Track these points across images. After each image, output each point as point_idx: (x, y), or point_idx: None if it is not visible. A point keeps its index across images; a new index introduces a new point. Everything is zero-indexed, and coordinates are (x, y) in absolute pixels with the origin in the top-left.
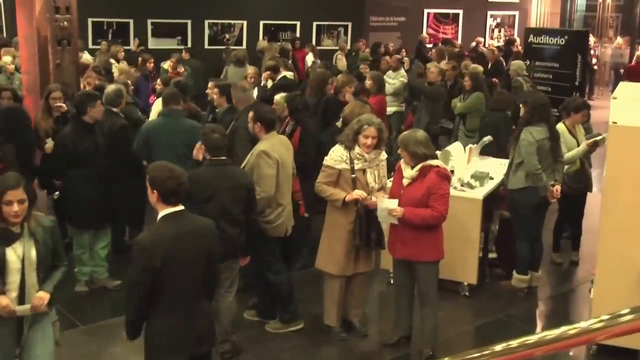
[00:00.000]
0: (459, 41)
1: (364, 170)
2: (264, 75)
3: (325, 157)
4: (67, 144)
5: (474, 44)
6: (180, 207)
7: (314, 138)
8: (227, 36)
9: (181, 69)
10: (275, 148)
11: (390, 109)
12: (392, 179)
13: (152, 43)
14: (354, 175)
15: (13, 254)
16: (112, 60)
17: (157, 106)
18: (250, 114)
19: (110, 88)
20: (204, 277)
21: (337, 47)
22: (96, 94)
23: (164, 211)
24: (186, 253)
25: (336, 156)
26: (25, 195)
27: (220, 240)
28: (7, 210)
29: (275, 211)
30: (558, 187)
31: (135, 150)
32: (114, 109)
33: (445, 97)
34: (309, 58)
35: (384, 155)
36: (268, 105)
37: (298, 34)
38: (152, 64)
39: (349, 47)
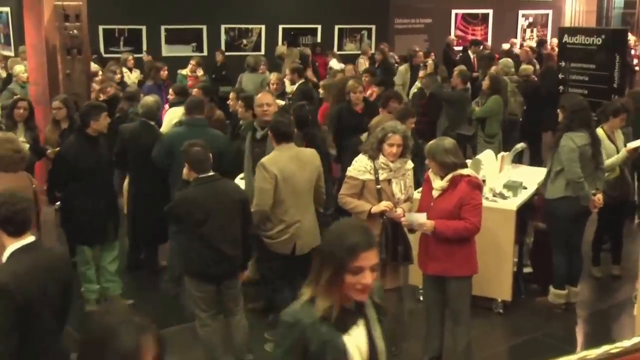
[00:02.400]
0: (489, 43)
1: (389, 181)
2: (287, 77)
3: (349, 168)
4: (68, 156)
5: (507, 45)
6: (31, 239)
7: (323, 153)
8: (245, 42)
9: (200, 73)
10: (278, 161)
11: None
12: (420, 189)
13: (166, 50)
14: (379, 186)
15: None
16: (124, 69)
17: (168, 116)
18: None
19: (150, 98)
20: (61, 314)
21: (359, 52)
22: (102, 106)
23: (11, 246)
24: (46, 289)
25: (360, 166)
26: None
27: (219, 262)
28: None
29: (277, 227)
30: (600, 196)
31: (155, 159)
32: (152, 122)
33: (467, 102)
34: (334, 64)
35: (410, 165)
36: (287, 116)
37: (319, 39)
38: (165, 72)
39: (372, 50)
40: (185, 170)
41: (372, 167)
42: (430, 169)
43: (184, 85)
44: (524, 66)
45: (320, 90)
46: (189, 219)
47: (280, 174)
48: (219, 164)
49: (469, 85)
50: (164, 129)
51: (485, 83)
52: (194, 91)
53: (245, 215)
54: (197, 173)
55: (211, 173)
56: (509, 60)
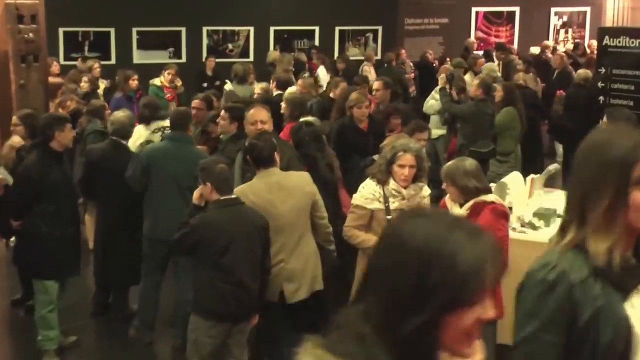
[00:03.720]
0: (515, 46)
1: (401, 210)
2: (271, 86)
3: (354, 195)
4: (32, 176)
5: (536, 49)
6: None
7: (325, 180)
8: (230, 46)
9: (178, 83)
10: (251, 191)
11: (435, 132)
12: None
13: (138, 56)
14: (389, 217)
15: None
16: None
17: (137, 133)
18: None
19: (121, 113)
20: None
21: (363, 57)
22: (65, 117)
23: None
24: None
25: (367, 193)
26: None
27: (239, 298)
28: None
29: None
30: None
31: (130, 180)
32: (123, 142)
33: (485, 115)
34: (321, 72)
35: (426, 191)
36: (269, 134)
37: (317, 42)
38: (135, 82)
39: (378, 56)
40: (196, 194)
41: (382, 194)
42: (448, 195)
43: (153, 98)
44: (581, 70)
45: (283, 104)
46: (209, 247)
47: (252, 205)
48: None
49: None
50: (132, 146)
51: (498, 93)
52: (195, 102)
53: (265, 246)
54: (220, 194)
55: (234, 195)
56: (493, 65)
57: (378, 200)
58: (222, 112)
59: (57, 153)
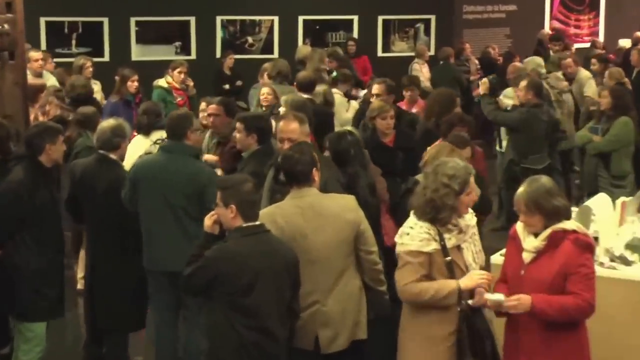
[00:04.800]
0: (601, 38)
1: (458, 247)
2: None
3: (404, 239)
4: (21, 194)
5: (625, 42)
6: None
7: (362, 201)
8: (250, 40)
9: (190, 83)
10: (280, 215)
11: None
12: (502, 252)
13: (137, 52)
14: (448, 259)
15: None
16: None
17: (132, 148)
18: None
19: (107, 123)
20: None
21: (413, 53)
22: (58, 127)
23: None
24: None
25: (420, 233)
26: None
27: (263, 349)
28: None
29: None
30: None
31: (124, 201)
32: (112, 155)
33: (540, 122)
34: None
35: (473, 218)
36: (309, 145)
37: (355, 34)
38: (135, 84)
39: (431, 52)
40: (209, 220)
41: (436, 231)
42: (520, 224)
43: (153, 103)
44: None
45: (281, 108)
46: (228, 286)
47: (279, 232)
48: (200, 205)
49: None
50: (127, 165)
51: (605, 100)
52: (212, 107)
53: (294, 285)
54: (244, 220)
55: (258, 222)
56: (539, 59)
57: (434, 239)
58: (237, 124)
59: (46, 169)
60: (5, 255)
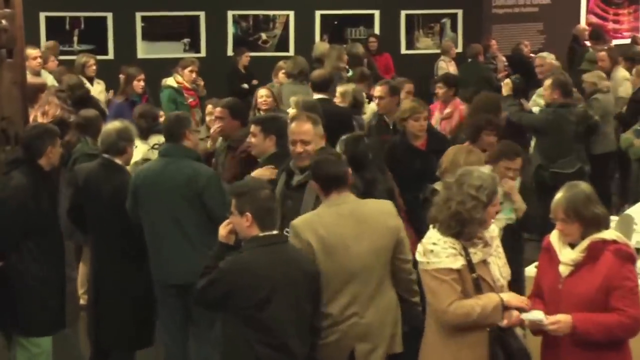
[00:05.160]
0: None
1: (483, 261)
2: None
3: (425, 258)
4: (27, 201)
5: None
6: None
7: None
8: (264, 36)
9: (201, 83)
10: (318, 223)
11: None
12: (536, 264)
13: (143, 50)
14: (475, 275)
15: None
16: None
17: (139, 149)
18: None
19: (112, 126)
20: None
21: (439, 51)
22: (56, 129)
23: None
24: None
25: (446, 249)
26: None
27: None
28: None
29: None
30: None
31: (128, 211)
32: (117, 160)
33: (569, 124)
34: None
35: (496, 229)
36: (334, 152)
37: (377, 30)
38: (141, 83)
39: (458, 49)
40: (224, 229)
41: (461, 246)
42: (553, 232)
43: (149, 106)
44: None
45: (290, 110)
46: (244, 299)
47: (320, 243)
48: (202, 210)
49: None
50: (132, 168)
51: None
52: (217, 110)
53: (315, 299)
54: (261, 229)
55: (276, 231)
56: (599, 73)
57: (460, 254)
58: (252, 127)
59: (45, 173)
60: (8, 265)
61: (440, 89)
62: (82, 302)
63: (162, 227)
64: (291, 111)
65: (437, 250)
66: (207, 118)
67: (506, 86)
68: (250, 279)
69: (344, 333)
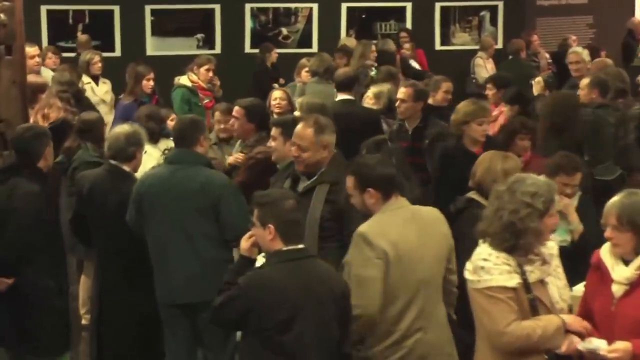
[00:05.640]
0: None
1: (541, 281)
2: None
3: (475, 276)
4: (41, 208)
5: None
6: None
7: None
8: (285, 31)
9: (217, 82)
10: (389, 229)
11: None
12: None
13: (153, 46)
14: (532, 296)
15: None
16: (84, 78)
17: (147, 155)
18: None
19: (121, 129)
20: None
21: (477, 47)
22: (47, 130)
23: None
24: None
25: (498, 265)
26: None
27: None
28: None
29: (384, 342)
30: None
31: (129, 222)
32: (125, 167)
33: (609, 126)
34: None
35: (555, 246)
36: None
37: (409, 24)
38: (151, 83)
39: (498, 45)
40: (246, 242)
41: (516, 263)
42: (604, 248)
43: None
44: None
45: (296, 113)
46: (265, 320)
47: (394, 250)
48: (212, 221)
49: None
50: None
51: None
52: (234, 109)
53: (344, 321)
54: (284, 242)
55: (302, 245)
56: (619, 70)
57: (515, 271)
58: (273, 130)
59: (45, 177)
60: (21, 281)
61: (490, 90)
62: (83, 321)
63: (169, 240)
64: (296, 113)
65: (489, 267)
66: (216, 127)
67: (537, 85)
68: (271, 297)
69: (409, 350)
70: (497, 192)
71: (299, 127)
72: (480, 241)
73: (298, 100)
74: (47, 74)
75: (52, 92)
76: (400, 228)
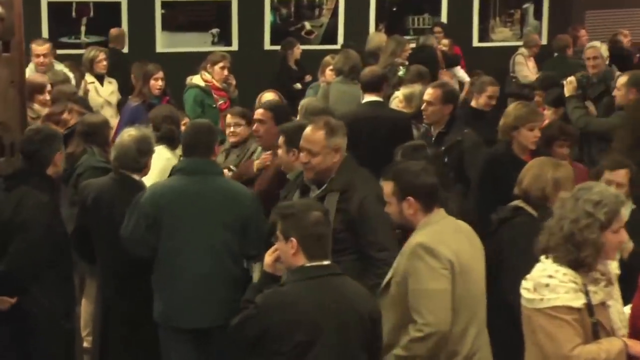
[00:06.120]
0: None
1: (602, 304)
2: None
3: (537, 294)
4: (52, 221)
5: None
6: None
7: None
8: (308, 25)
9: (233, 82)
10: (445, 239)
11: None
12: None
13: (163, 42)
14: (594, 319)
15: None
16: (88, 77)
17: (161, 160)
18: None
19: (129, 136)
20: None
21: (519, 43)
22: (59, 133)
23: None
24: None
25: (564, 283)
26: None
27: None
28: None
29: None
30: None
31: (128, 241)
32: (135, 176)
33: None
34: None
35: (616, 266)
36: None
37: (444, 18)
38: (159, 82)
39: (543, 40)
40: (269, 258)
41: (581, 282)
42: None
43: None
44: None
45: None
46: (282, 342)
47: (458, 260)
48: (239, 237)
49: None
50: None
51: None
52: (258, 112)
53: (373, 345)
54: (308, 258)
55: (327, 262)
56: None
57: (580, 290)
58: (281, 138)
59: (54, 186)
60: (27, 300)
61: (539, 97)
62: (85, 344)
63: (187, 257)
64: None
65: (554, 285)
66: (227, 130)
67: (570, 85)
68: (289, 318)
69: None
70: (561, 200)
71: (309, 130)
72: (543, 257)
73: (301, 102)
74: (59, 69)
75: (65, 95)
76: (455, 238)
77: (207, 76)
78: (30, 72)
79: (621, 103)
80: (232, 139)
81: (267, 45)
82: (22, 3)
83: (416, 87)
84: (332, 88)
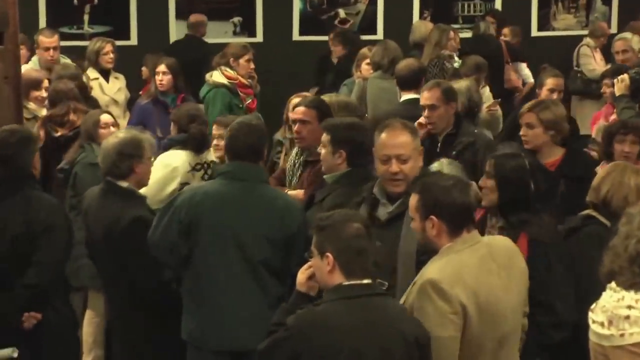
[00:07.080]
0: None
1: None
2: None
3: (614, 329)
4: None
5: None
6: None
7: None
8: (343, 13)
9: (254, 75)
10: (464, 274)
11: None
12: None
13: (178, 33)
14: None
15: None
16: (90, 72)
17: (159, 166)
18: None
19: (112, 139)
20: None
21: (585, 32)
22: (30, 133)
23: None
24: None
25: None
26: None
27: None
28: None
29: None
30: None
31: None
32: (122, 183)
33: None
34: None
35: None
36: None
37: (498, 5)
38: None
39: (613, 30)
40: (302, 276)
41: None
42: None
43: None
44: None
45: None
46: None
47: (473, 301)
48: (285, 254)
49: None
50: (152, 191)
51: None
52: (299, 111)
53: None
54: (346, 276)
55: (368, 280)
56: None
57: None
58: (324, 136)
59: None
60: (53, 315)
61: (608, 88)
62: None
63: (225, 272)
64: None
65: (636, 317)
66: (215, 142)
67: (621, 83)
68: (324, 340)
69: None
70: (628, 215)
71: (388, 135)
72: (613, 284)
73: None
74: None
75: (70, 95)
76: (479, 271)
77: (231, 72)
78: (34, 65)
79: None
80: (217, 153)
81: (296, 36)
82: None
83: (462, 82)
84: (370, 84)
